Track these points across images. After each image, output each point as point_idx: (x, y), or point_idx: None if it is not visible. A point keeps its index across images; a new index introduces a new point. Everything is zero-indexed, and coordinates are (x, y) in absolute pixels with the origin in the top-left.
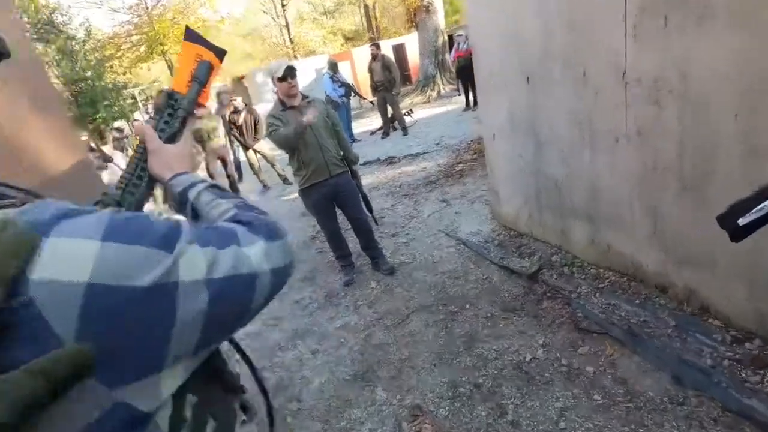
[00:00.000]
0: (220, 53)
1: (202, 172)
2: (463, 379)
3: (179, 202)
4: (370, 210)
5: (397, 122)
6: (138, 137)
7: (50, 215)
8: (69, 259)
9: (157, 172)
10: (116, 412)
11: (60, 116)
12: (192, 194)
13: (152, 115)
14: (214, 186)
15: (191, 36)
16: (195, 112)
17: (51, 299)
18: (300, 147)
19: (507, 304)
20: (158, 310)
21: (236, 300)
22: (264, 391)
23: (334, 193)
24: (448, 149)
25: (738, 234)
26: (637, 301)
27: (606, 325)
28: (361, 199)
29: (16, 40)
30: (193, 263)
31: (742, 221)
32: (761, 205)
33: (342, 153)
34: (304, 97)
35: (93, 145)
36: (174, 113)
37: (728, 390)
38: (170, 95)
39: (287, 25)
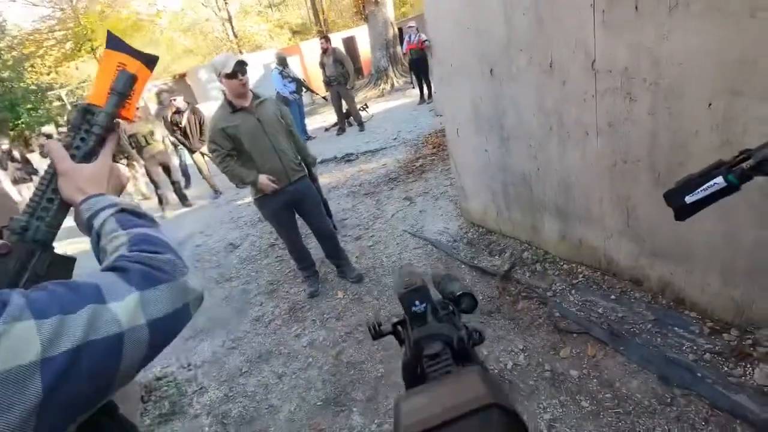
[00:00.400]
0: (149, 61)
1: (143, 179)
2: None
3: (86, 227)
4: (329, 215)
5: (352, 117)
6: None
7: None
8: None
9: (68, 195)
10: None
11: None
12: (97, 222)
13: (66, 131)
14: (124, 210)
15: (113, 42)
16: (114, 127)
17: None
18: (253, 154)
19: (482, 307)
20: None
21: (93, 369)
22: None
23: (293, 201)
24: (407, 144)
25: (684, 211)
26: (613, 297)
27: (585, 324)
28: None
29: None
30: (20, 345)
31: (689, 199)
32: (710, 183)
33: (299, 157)
34: (256, 96)
35: (15, 154)
36: (90, 129)
37: (715, 387)
38: (86, 110)
39: (230, 19)
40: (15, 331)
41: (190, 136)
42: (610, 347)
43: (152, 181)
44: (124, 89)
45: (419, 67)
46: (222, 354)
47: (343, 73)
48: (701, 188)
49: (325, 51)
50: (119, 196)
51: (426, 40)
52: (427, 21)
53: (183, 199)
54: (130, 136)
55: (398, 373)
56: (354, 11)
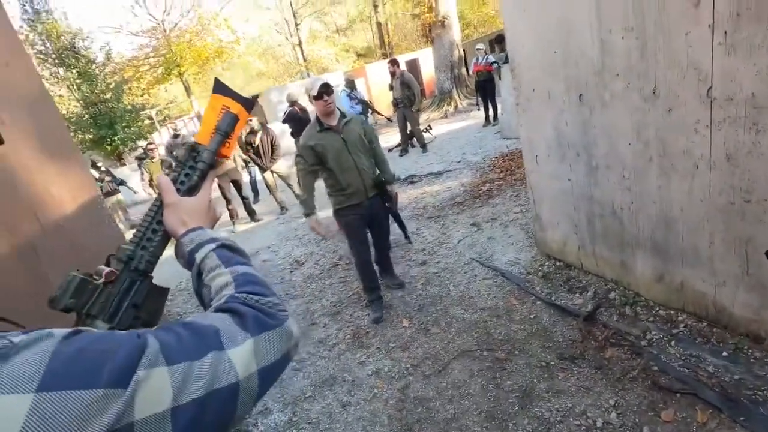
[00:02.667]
0: (248, 104)
1: (215, 193)
2: None
3: (187, 260)
4: (404, 228)
5: (415, 139)
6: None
7: None
8: None
9: (171, 227)
10: None
11: (73, 159)
12: (199, 256)
13: (173, 167)
14: (224, 246)
15: (219, 87)
16: (216, 164)
17: None
18: (336, 170)
19: (563, 351)
20: None
21: (212, 419)
22: None
23: (369, 215)
24: (471, 167)
25: None
26: (725, 353)
27: (692, 383)
28: (392, 219)
29: (36, 91)
30: (156, 393)
31: None
32: None
33: (377, 172)
34: (343, 116)
35: (104, 168)
36: (195, 165)
37: None
38: (193, 148)
39: (300, 44)
40: (153, 377)
41: (262, 154)
42: (725, 415)
43: (224, 196)
44: (228, 129)
45: (486, 89)
46: (286, 375)
47: (409, 96)
48: None
49: (393, 74)
50: (213, 228)
51: (494, 62)
52: (508, 42)
53: (252, 214)
54: None
55: (469, 416)
56: (419, 34)
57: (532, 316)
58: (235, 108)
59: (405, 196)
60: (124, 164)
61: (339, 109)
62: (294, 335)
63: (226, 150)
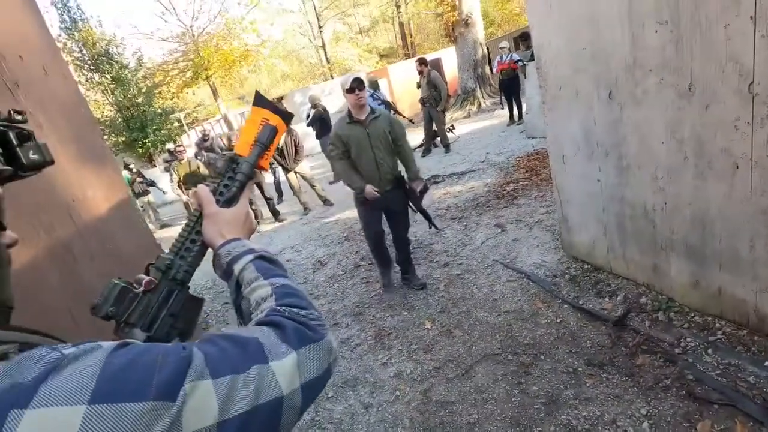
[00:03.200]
0: (287, 117)
1: None
2: None
3: (225, 272)
4: (430, 218)
5: (439, 139)
6: (195, 200)
7: (33, 377)
8: (50, 425)
9: (209, 238)
10: None
11: (106, 162)
12: (237, 268)
13: (212, 178)
14: (262, 258)
15: (259, 100)
16: (255, 175)
17: None
18: (357, 160)
19: (592, 357)
20: None
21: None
22: None
23: (384, 206)
24: (496, 167)
25: None
26: (767, 363)
27: (731, 394)
28: (417, 211)
29: (72, 96)
30: (203, 407)
31: None
32: None
33: (399, 168)
34: (372, 112)
35: (135, 169)
36: (234, 177)
37: None
38: (232, 159)
39: (323, 46)
40: (199, 390)
41: (286, 156)
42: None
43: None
44: (268, 141)
45: (510, 88)
46: None
47: (435, 96)
48: None
49: (420, 73)
50: (249, 239)
51: (518, 60)
52: (533, 39)
53: (276, 215)
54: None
55: (493, 422)
56: (441, 33)
57: (558, 320)
58: (274, 120)
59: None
60: (155, 166)
61: (371, 106)
62: (334, 349)
63: (264, 162)
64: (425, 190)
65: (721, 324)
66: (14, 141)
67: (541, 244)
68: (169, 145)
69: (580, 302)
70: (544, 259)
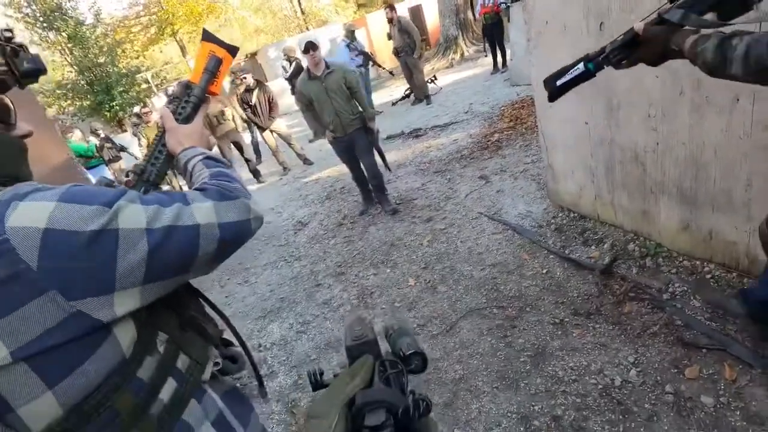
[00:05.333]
0: (232, 50)
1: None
2: (536, 408)
3: (183, 170)
4: (384, 159)
5: (416, 91)
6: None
7: (24, 191)
8: (31, 213)
9: (171, 147)
10: (76, 318)
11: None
12: (190, 165)
13: (170, 100)
14: (208, 158)
15: (207, 36)
16: (206, 99)
17: (18, 238)
18: (319, 110)
19: (578, 307)
20: (102, 248)
21: (180, 244)
22: (244, 347)
23: (350, 145)
24: (480, 117)
25: (554, 93)
26: None
27: (720, 338)
28: (375, 151)
29: None
30: (133, 217)
31: (559, 82)
32: (574, 68)
33: (357, 113)
34: (327, 67)
35: (104, 134)
36: (189, 100)
37: None
38: (187, 85)
39: None
40: (130, 207)
41: (260, 113)
42: (758, 371)
43: (225, 158)
44: (214, 69)
45: (493, 33)
46: (291, 338)
47: (409, 43)
48: (568, 73)
49: (390, 21)
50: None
51: (502, 2)
52: None
53: (256, 175)
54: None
55: (479, 376)
56: None
57: (544, 271)
58: (220, 53)
59: (410, 151)
60: (125, 130)
61: (326, 62)
62: (252, 210)
63: (214, 88)
64: (377, 131)
65: (710, 267)
66: (9, 53)
67: (526, 194)
68: (136, 108)
69: (567, 252)
70: (529, 209)
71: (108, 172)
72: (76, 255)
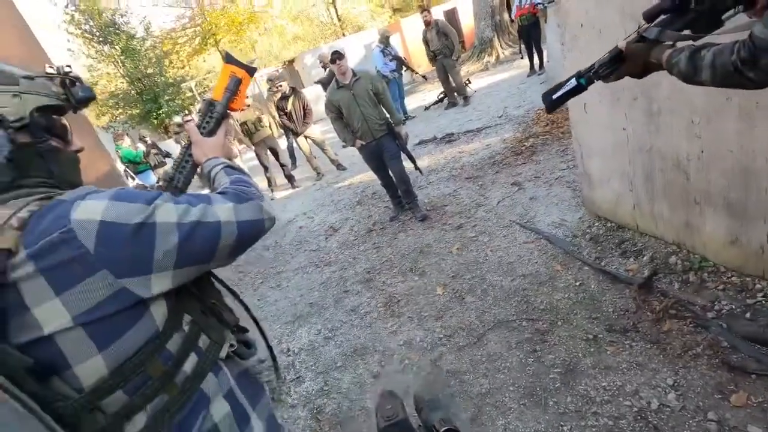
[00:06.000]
0: (251, 70)
1: (253, 162)
2: (565, 428)
3: (206, 178)
4: (414, 162)
5: (456, 93)
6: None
7: (84, 193)
8: (90, 209)
9: (197, 158)
10: (121, 293)
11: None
12: (213, 173)
13: (197, 116)
14: (228, 167)
15: (228, 58)
16: (227, 114)
17: (80, 228)
18: (348, 118)
19: (613, 323)
20: (144, 237)
21: (204, 238)
22: (262, 333)
23: (378, 151)
24: (514, 121)
25: (551, 106)
26: None
27: None
28: (403, 154)
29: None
30: (167, 213)
31: (554, 96)
32: (568, 83)
33: (384, 118)
34: (354, 74)
35: (150, 141)
36: (211, 115)
37: None
38: (210, 102)
39: (333, 2)
40: (164, 206)
41: (295, 119)
42: None
43: (261, 164)
44: (234, 88)
45: (530, 35)
46: (319, 343)
47: (447, 45)
48: (562, 88)
49: (428, 24)
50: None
51: (539, 3)
52: None
53: (291, 180)
54: (241, 124)
55: (506, 392)
56: None
57: (577, 284)
58: (240, 73)
59: (442, 156)
60: (170, 137)
61: (352, 70)
62: (266, 211)
63: (235, 104)
64: (406, 135)
65: (762, 285)
66: (68, 84)
67: (561, 202)
68: (176, 119)
69: (602, 264)
70: (563, 218)
71: (153, 177)
72: (123, 242)
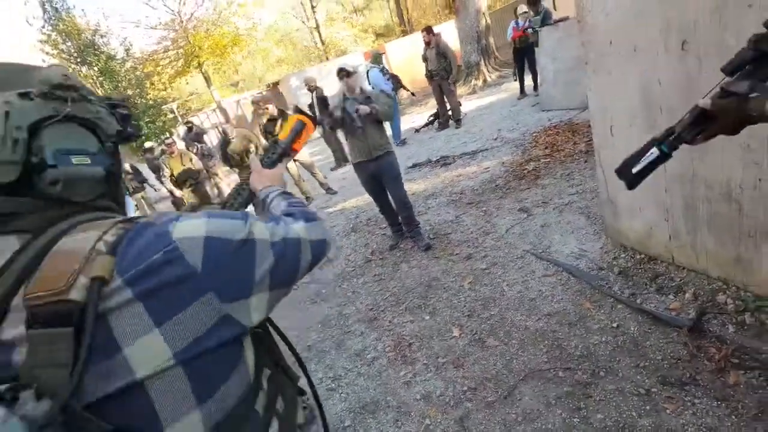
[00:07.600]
0: (314, 120)
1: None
2: None
3: (262, 205)
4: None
5: (450, 113)
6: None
7: (175, 216)
8: (191, 227)
9: (254, 186)
10: (224, 322)
11: None
12: (269, 198)
13: (263, 152)
14: (283, 193)
15: (297, 110)
16: (290, 153)
17: (185, 245)
18: (347, 134)
19: (666, 374)
20: (246, 254)
21: (291, 257)
22: (315, 396)
23: (377, 172)
24: (510, 144)
25: (633, 182)
26: None
27: None
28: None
29: None
30: (261, 231)
31: (634, 170)
32: (648, 153)
33: (385, 137)
34: (362, 91)
35: (127, 167)
36: (275, 151)
37: None
38: (275, 141)
39: (317, 27)
40: (258, 224)
41: None
42: None
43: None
44: (298, 129)
45: (524, 57)
46: (321, 396)
47: (445, 67)
48: (642, 159)
49: (427, 44)
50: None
51: (528, 28)
52: None
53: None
54: (230, 156)
55: None
56: (440, 6)
57: (614, 325)
58: (305, 120)
59: (439, 180)
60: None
61: (362, 88)
62: (326, 230)
63: (296, 146)
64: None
65: None
66: (122, 119)
67: (576, 230)
68: (148, 144)
69: (639, 301)
70: (583, 247)
71: (132, 202)
72: (229, 260)
